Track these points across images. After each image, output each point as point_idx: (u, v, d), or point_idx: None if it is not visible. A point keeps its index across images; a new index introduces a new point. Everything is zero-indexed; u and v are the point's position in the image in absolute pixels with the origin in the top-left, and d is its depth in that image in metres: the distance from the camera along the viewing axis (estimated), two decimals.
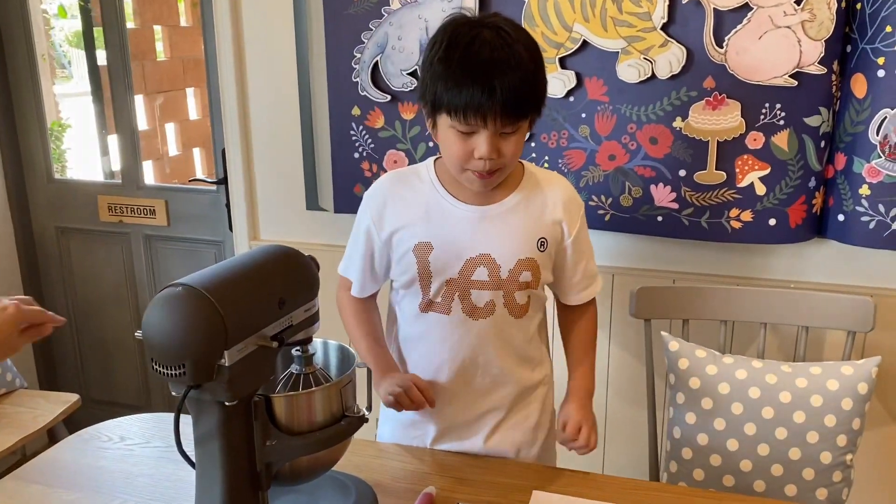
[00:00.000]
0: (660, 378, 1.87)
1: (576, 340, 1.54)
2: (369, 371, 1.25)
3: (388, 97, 2.04)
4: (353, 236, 1.50)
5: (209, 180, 2.61)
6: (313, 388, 1.12)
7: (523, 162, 1.44)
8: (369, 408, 1.22)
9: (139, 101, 3.79)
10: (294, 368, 1.18)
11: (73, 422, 2.42)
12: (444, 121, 1.27)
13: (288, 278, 1.08)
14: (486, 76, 1.20)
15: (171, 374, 0.95)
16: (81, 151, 3.65)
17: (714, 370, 1.68)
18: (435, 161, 1.43)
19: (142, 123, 3.82)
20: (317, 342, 1.24)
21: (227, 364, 0.96)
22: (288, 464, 1.13)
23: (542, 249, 1.39)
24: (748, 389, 1.64)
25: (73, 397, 2.35)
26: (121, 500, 1.29)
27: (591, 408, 1.44)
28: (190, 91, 4.20)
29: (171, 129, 4.06)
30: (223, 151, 2.40)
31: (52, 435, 2.32)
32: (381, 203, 1.42)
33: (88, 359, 2.93)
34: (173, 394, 1.00)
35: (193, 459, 1.06)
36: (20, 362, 2.84)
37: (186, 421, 1.02)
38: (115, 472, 1.38)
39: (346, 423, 1.15)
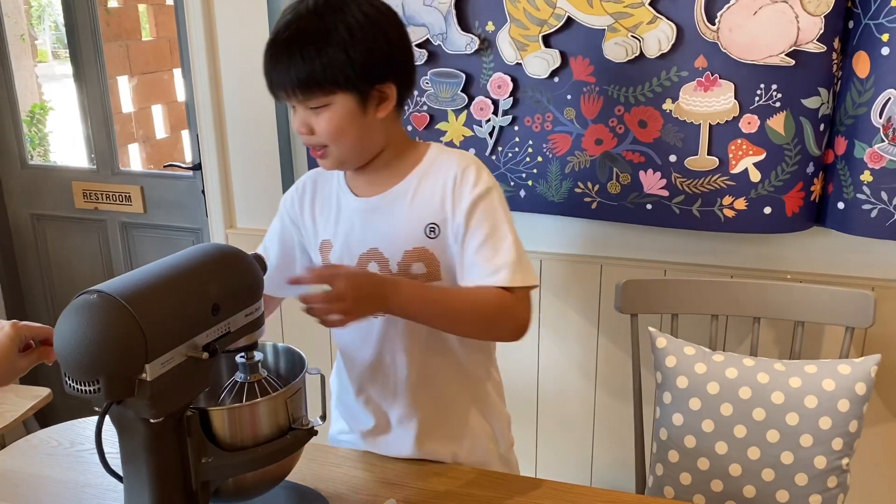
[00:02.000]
0: (648, 373, 1.78)
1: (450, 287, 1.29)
2: (322, 377, 1.15)
3: None
4: (267, 235, 1.43)
5: (184, 165, 2.51)
6: (254, 401, 1.03)
7: (432, 145, 1.30)
8: (323, 417, 1.13)
9: (123, 81, 3.70)
10: (238, 377, 1.09)
11: (47, 415, 2.35)
12: None
13: (224, 281, 0.99)
14: (286, 48, 1.15)
15: (85, 390, 0.86)
16: (65, 135, 3.56)
17: (703, 369, 1.58)
18: None
19: (126, 105, 3.73)
20: (266, 345, 1.15)
21: (148, 379, 0.87)
22: (231, 480, 1.04)
23: (432, 236, 1.25)
24: (739, 389, 1.55)
25: (44, 391, 2.28)
26: None
27: (368, 280, 1.17)
28: (177, 72, 4.09)
29: (157, 110, 3.96)
30: (198, 136, 2.30)
31: (27, 427, 2.25)
32: (295, 201, 1.36)
33: None
34: (95, 409, 0.91)
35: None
36: None
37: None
38: (61, 482, 1.30)
39: (292, 436, 1.06)
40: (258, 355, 1.09)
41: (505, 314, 1.21)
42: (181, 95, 4.15)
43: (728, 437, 1.54)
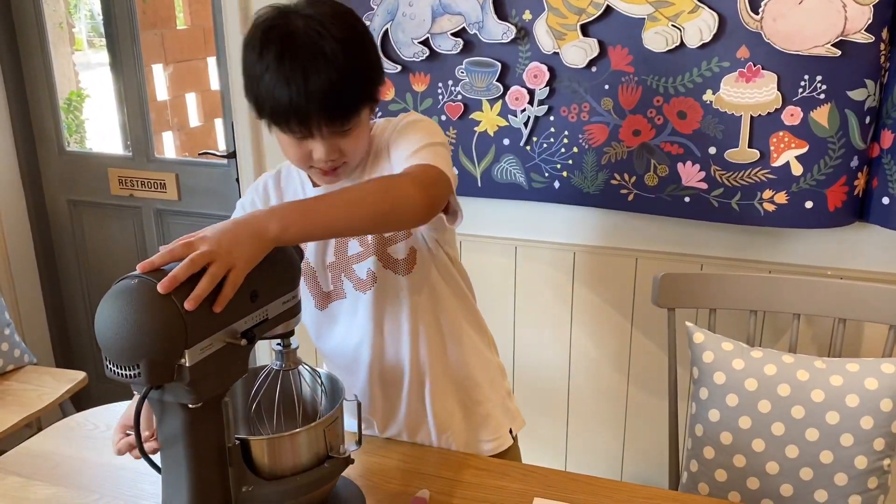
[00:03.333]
0: (683, 370, 1.76)
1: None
2: (359, 404, 1.14)
3: (399, 67, 1.92)
4: None
5: (218, 154, 2.53)
6: (294, 431, 1.03)
7: (374, 121, 1.28)
8: (359, 442, 1.12)
9: (158, 70, 3.73)
10: (275, 364, 1.09)
11: (83, 398, 2.38)
12: (273, 124, 1.14)
13: (262, 268, 0.98)
14: (302, 82, 1.06)
15: (126, 374, 0.86)
16: (102, 123, 3.60)
17: (741, 364, 1.56)
18: (284, 152, 1.27)
19: (161, 93, 3.76)
20: (305, 371, 1.15)
21: (188, 364, 0.87)
22: None
23: None
24: (777, 386, 1.52)
25: (79, 375, 2.31)
26: (98, 495, 1.22)
27: (227, 223, 0.97)
28: (211, 60, 4.11)
29: (191, 99, 3.99)
30: (232, 124, 2.31)
31: (64, 410, 2.28)
32: (266, 200, 1.31)
33: None
34: (135, 392, 0.92)
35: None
36: (35, 338, 2.81)
37: None
38: (97, 465, 1.32)
39: (330, 464, 1.06)
40: (294, 342, 1.09)
41: (391, 193, 1.07)
42: (215, 84, 4.18)
43: (765, 435, 1.51)
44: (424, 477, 1.26)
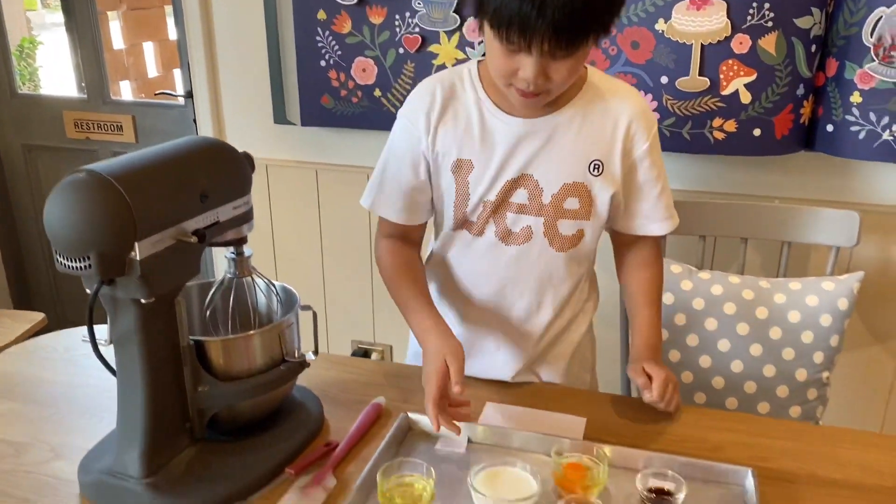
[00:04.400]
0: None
1: (639, 288, 1.31)
2: (315, 314, 1.14)
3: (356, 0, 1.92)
4: (389, 160, 1.27)
5: (176, 94, 2.50)
6: (248, 332, 1.05)
7: (587, 66, 1.21)
8: (315, 352, 1.14)
9: (113, 18, 3.66)
10: (228, 272, 1.11)
11: None
12: (488, 28, 1.05)
13: (212, 171, 1.00)
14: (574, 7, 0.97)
15: (76, 266, 0.87)
16: (55, 70, 3.53)
17: (689, 286, 1.61)
18: (479, 63, 1.22)
19: (117, 42, 3.70)
20: (259, 281, 1.16)
21: (138, 258, 0.88)
22: (225, 409, 1.06)
23: (595, 174, 1.19)
24: (723, 305, 1.57)
25: (38, 316, 2.30)
26: (54, 409, 1.24)
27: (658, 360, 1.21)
28: (169, 10, 4.04)
29: (149, 48, 3.92)
30: (189, 64, 2.28)
31: None
32: (429, 112, 1.21)
33: (62, 279, 2.87)
34: (87, 291, 0.93)
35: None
36: None
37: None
38: (55, 382, 1.33)
39: (285, 367, 1.09)
40: (248, 251, 1.10)
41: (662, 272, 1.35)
42: (173, 34, 4.11)
43: (712, 352, 1.57)
44: (380, 387, 1.29)
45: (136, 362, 0.97)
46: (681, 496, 0.98)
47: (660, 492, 0.99)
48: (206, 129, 2.28)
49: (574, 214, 1.22)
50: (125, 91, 3.77)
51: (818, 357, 1.53)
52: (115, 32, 3.63)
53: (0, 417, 1.22)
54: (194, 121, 2.35)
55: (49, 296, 2.91)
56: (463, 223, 1.27)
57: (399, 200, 1.27)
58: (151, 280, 0.91)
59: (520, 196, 1.21)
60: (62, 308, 2.88)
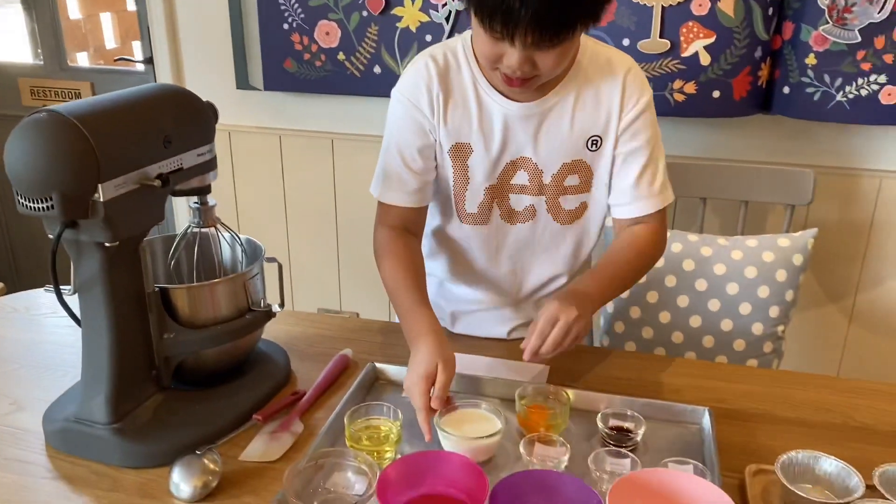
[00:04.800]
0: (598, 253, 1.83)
1: (608, 257, 1.21)
2: (280, 266, 1.13)
3: None
4: (391, 144, 1.22)
5: (136, 60, 2.46)
6: (214, 280, 1.05)
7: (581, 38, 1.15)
8: (281, 304, 1.14)
9: None
10: (192, 222, 1.10)
11: None
12: (472, 14, 1.03)
13: (176, 117, 0.99)
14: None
15: (39, 207, 0.87)
16: (10, 41, 3.43)
17: None
18: (472, 37, 1.16)
19: (74, 12, 3.60)
20: (225, 235, 1.15)
21: (101, 200, 0.88)
22: (192, 358, 1.07)
23: (593, 149, 1.18)
24: (682, 262, 1.61)
25: None
26: (17, 365, 1.23)
27: (580, 306, 1.06)
28: None
29: (106, 18, 3.83)
30: (149, 30, 2.25)
31: None
32: (430, 90, 1.16)
33: (19, 249, 2.82)
34: (49, 235, 0.92)
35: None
36: None
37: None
38: (17, 340, 1.31)
39: (251, 317, 1.09)
40: (212, 201, 1.10)
41: (657, 250, 1.24)
42: (131, 5, 4.03)
43: (671, 307, 1.61)
44: (347, 341, 1.30)
45: (101, 308, 0.96)
46: (640, 433, 1.01)
47: (620, 430, 1.02)
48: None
49: (575, 190, 1.21)
50: (83, 62, 3.69)
51: (774, 311, 1.58)
52: (72, 2, 3.55)
53: None
54: None
55: (7, 268, 2.86)
56: (465, 215, 1.25)
57: (410, 184, 1.21)
58: (115, 222, 0.90)
59: (520, 178, 1.20)
60: (20, 281, 2.83)
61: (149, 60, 2.34)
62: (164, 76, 2.23)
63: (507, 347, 1.29)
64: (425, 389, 1.01)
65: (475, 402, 1.05)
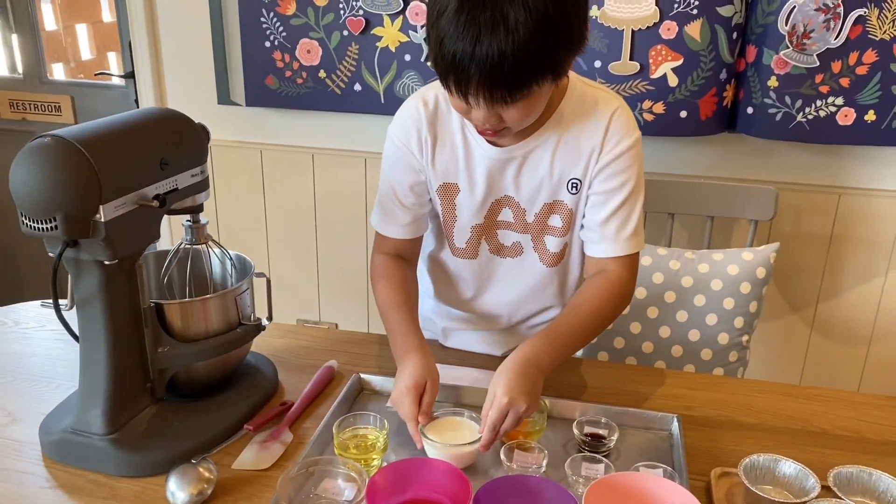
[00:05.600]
0: None
1: (566, 317, 1.19)
2: (269, 281, 1.19)
3: None
4: (386, 182, 1.26)
5: (117, 74, 2.49)
6: (206, 296, 1.09)
7: (570, 78, 1.17)
8: (269, 318, 1.19)
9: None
10: (185, 240, 1.15)
11: None
12: None
13: (171, 139, 1.04)
14: (471, 44, 0.94)
15: (43, 228, 0.91)
16: None
17: None
18: None
19: (49, 23, 3.61)
20: (217, 251, 1.20)
21: (102, 220, 0.92)
22: (184, 371, 1.11)
23: (573, 192, 1.20)
24: (652, 275, 1.68)
25: None
26: (10, 378, 1.26)
27: (529, 390, 1.05)
28: None
29: (82, 30, 3.84)
30: (130, 44, 2.28)
31: None
32: (419, 132, 1.21)
33: None
34: (49, 255, 0.96)
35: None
36: None
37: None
38: (6, 353, 1.34)
39: (242, 330, 1.13)
40: (203, 219, 1.14)
41: (618, 305, 1.22)
42: (107, 16, 4.04)
43: (642, 318, 1.68)
44: (331, 352, 1.35)
45: (99, 323, 1.00)
46: (613, 439, 1.07)
47: (594, 436, 1.08)
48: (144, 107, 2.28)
49: (559, 231, 1.25)
50: (59, 74, 3.69)
51: (738, 322, 1.66)
52: (48, 14, 3.56)
53: None
54: (136, 101, 2.35)
55: None
56: (455, 249, 1.30)
57: (403, 218, 1.27)
58: (115, 242, 0.95)
59: (506, 214, 1.25)
60: None
61: (129, 75, 2.37)
62: (146, 91, 2.26)
63: (498, 363, 1.34)
64: (413, 401, 1.06)
65: (458, 410, 1.10)
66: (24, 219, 0.92)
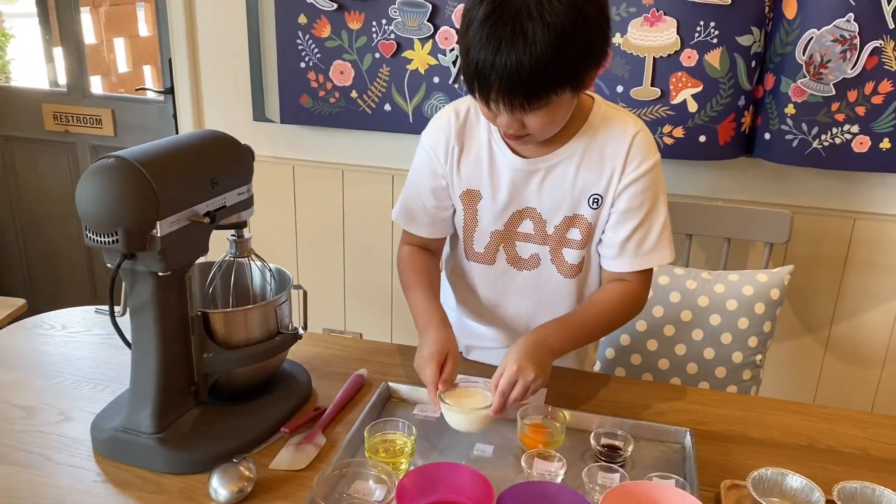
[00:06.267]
0: None
1: (581, 309, 1.29)
2: (305, 293, 1.27)
3: (335, 5, 2.04)
4: (412, 182, 1.36)
5: (156, 90, 2.59)
6: (248, 307, 1.17)
7: (594, 97, 1.27)
8: (304, 327, 1.27)
9: (85, 13, 3.70)
10: (229, 253, 1.23)
11: None
12: None
13: (221, 161, 1.12)
14: (492, 53, 1.04)
15: (105, 241, 0.99)
16: (27, 65, 3.57)
17: None
18: None
19: (88, 37, 3.74)
20: (258, 264, 1.27)
21: (159, 235, 1.00)
22: (227, 376, 1.18)
23: (594, 207, 1.26)
24: (669, 294, 1.74)
25: (19, 301, 2.37)
26: (60, 379, 1.34)
27: (539, 363, 1.15)
28: (140, 6, 4.10)
29: (119, 44, 3.97)
30: (170, 61, 2.38)
31: None
32: (447, 142, 1.30)
33: (35, 268, 2.93)
34: (108, 265, 1.04)
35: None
36: None
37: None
38: (56, 355, 1.43)
39: (280, 339, 1.21)
40: (247, 234, 1.22)
41: (630, 310, 1.31)
42: (143, 30, 4.17)
43: (658, 336, 1.74)
44: (361, 361, 1.42)
45: (151, 330, 1.08)
46: (628, 450, 1.13)
47: (611, 447, 1.14)
48: (186, 125, 2.38)
49: (577, 245, 1.30)
50: (96, 86, 3.83)
51: (752, 342, 1.71)
52: (87, 26, 3.69)
53: (7, 385, 1.32)
54: (174, 116, 2.45)
55: (22, 285, 2.96)
56: (473, 255, 1.37)
57: (423, 219, 1.36)
58: (169, 255, 1.03)
59: (526, 226, 1.31)
60: (35, 298, 2.94)
61: (169, 90, 2.47)
62: (184, 106, 2.35)
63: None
64: (435, 368, 1.16)
65: (474, 380, 1.20)
66: (87, 232, 1.00)
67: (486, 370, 1.40)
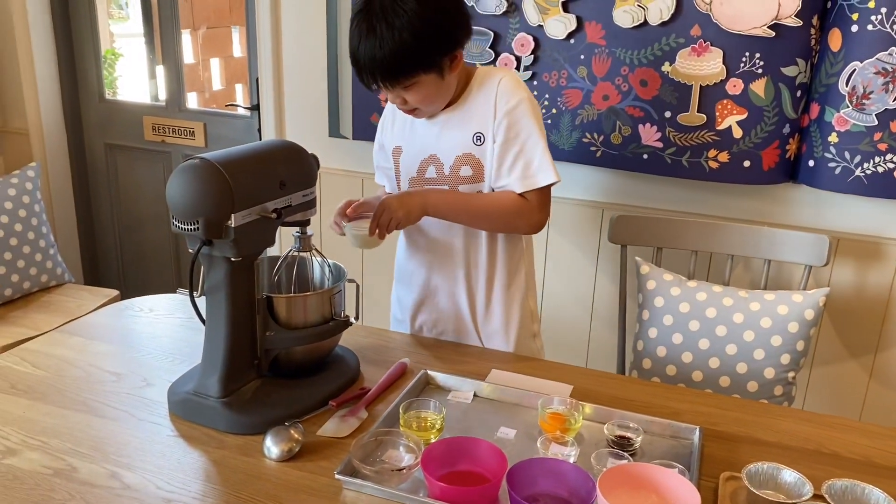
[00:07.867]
0: (632, 301, 2.06)
1: (473, 193, 1.55)
2: (358, 286, 1.46)
3: None
4: (375, 147, 1.73)
5: (244, 106, 2.83)
6: (306, 293, 1.35)
7: (477, 66, 1.58)
8: (356, 317, 1.43)
9: (185, 34, 4.03)
10: (294, 247, 1.40)
11: None
12: None
13: (289, 165, 1.29)
14: (361, 42, 1.36)
15: (187, 228, 1.17)
16: (132, 81, 3.90)
17: (677, 291, 1.86)
18: None
19: (188, 56, 4.07)
20: (317, 260, 1.45)
21: (233, 225, 1.18)
22: (285, 353, 1.35)
23: (478, 143, 1.52)
24: (706, 310, 1.82)
25: (113, 292, 2.63)
26: (146, 351, 1.54)
27: (404, 206, 1.47)
28: (235, 29, 4.42)
29: (215, 63, 4.29)
30: (257, 80, 2.61)
31: None
32: (389, 111, 1.67)
33: (128, 264, 3.22)
34: (189, 250, 1.23)
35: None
36: (69, 261, 3.13)
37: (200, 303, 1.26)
38: (142, 333, 1.63)
39: (333, 324, 1.37)
40: (310, 231, 1.39)
41: (519, 216, 1.53)
42: (237, 51, 4.49)
43: (693, 349, 1.82)
44: (405, 352, 1.57)
45: (223, 309, 1.26)
46: (639, 440, 1.24)
47: (622, 437, 1.25)
48: (268, 137, 2.60)
49: (469, 180, 1.54)
50: (192, 102, 4.15)
51: (785, 359, 1.77)
52: (187, 47, 4.02)
53: (102, 354, 1.53)
54: (259, 130, 2.68)
55: (116, 278, 3.25)
56: None
57: (379, 171, 1.73)
58: (241, 243, 1.20)
59: (430, 172, 1.57)
60: (125, 290, 3.22)
61: (254, 107, 2.71)
62: (268, 121, 2.58)
63: (517, 366, 1.53)
64: (347, 204, 1.54)
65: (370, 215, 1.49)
66: (174, 221, 1.19)
67: (506, 359, 1.53)
